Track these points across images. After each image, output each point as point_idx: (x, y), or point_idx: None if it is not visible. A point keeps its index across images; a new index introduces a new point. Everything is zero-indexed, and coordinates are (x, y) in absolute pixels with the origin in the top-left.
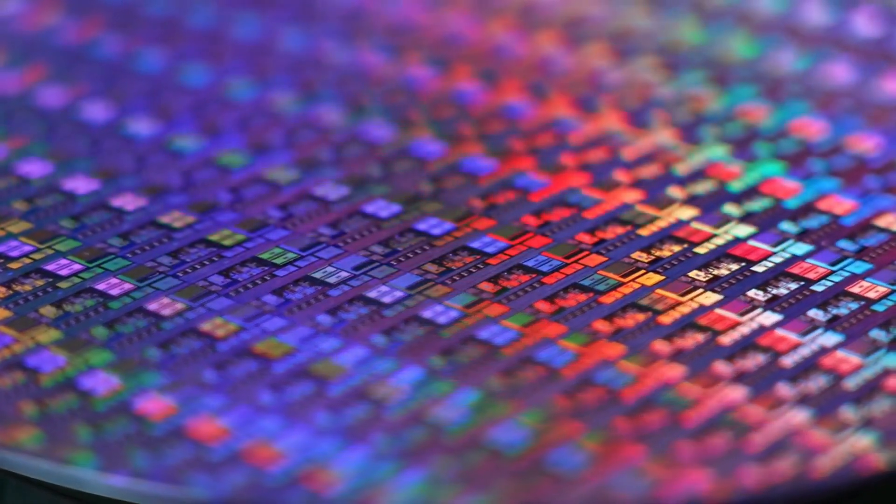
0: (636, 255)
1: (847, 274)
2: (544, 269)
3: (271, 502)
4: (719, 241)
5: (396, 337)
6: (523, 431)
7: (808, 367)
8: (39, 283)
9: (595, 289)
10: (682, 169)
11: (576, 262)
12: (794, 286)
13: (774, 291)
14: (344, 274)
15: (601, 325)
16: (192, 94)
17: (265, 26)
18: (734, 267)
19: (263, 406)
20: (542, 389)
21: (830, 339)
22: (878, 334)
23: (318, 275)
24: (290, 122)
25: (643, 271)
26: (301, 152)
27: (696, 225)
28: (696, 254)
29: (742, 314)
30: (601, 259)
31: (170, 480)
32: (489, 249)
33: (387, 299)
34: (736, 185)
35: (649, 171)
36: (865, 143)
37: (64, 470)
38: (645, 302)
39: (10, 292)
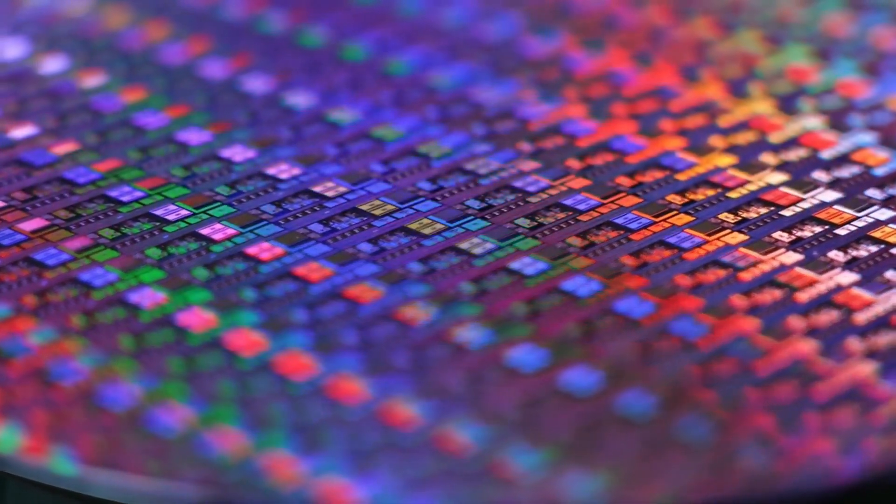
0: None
1: None
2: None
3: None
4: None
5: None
6: (481, 433)
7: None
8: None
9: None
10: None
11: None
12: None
13: (854, 253)
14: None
15: (574, 328)
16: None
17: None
18: (817, 229)
19: (227, 399)
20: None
21: None
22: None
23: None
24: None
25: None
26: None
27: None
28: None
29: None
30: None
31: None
32: (581, 207)
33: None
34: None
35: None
36: None
37: (64, 471)
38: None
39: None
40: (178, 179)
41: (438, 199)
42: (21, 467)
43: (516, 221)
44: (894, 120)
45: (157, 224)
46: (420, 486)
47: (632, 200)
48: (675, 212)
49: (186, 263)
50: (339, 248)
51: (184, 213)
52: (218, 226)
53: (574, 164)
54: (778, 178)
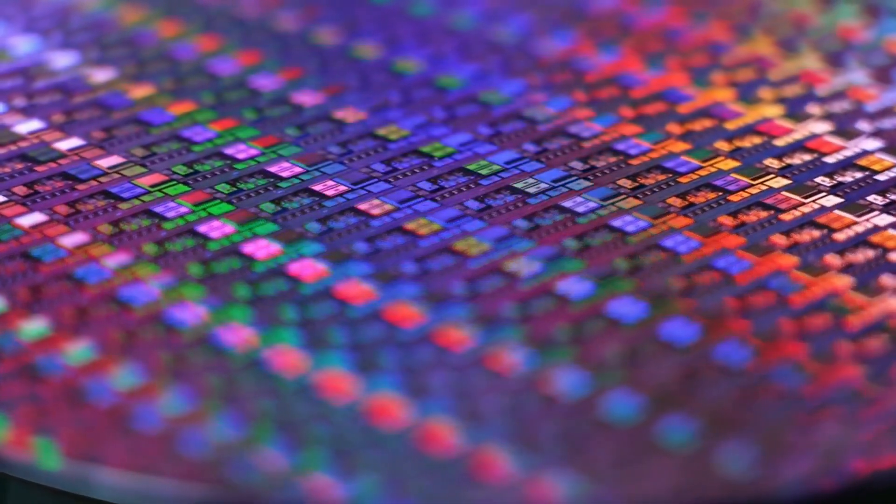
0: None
1: None
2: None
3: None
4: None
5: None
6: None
7: None
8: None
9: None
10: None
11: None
12: None
13: None
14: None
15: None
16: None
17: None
18: (815, 233)
19: (210, 393)
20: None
21: None
22: None
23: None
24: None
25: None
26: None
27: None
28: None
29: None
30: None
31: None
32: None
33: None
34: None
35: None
36: None
37: (65, 472)
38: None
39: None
40: (180, 177)
41: (438, 199)
42: (6, 462)
43: (515, 223)
44: None
45: (157, 220)
46: (403, 486)
47: (632, 202)
48: (674, 214)
49: (184, 259)
50: (334, 248)
51: (184, 209)
52: (216, 223)
53: (577, 165)
54: (781, 181)
